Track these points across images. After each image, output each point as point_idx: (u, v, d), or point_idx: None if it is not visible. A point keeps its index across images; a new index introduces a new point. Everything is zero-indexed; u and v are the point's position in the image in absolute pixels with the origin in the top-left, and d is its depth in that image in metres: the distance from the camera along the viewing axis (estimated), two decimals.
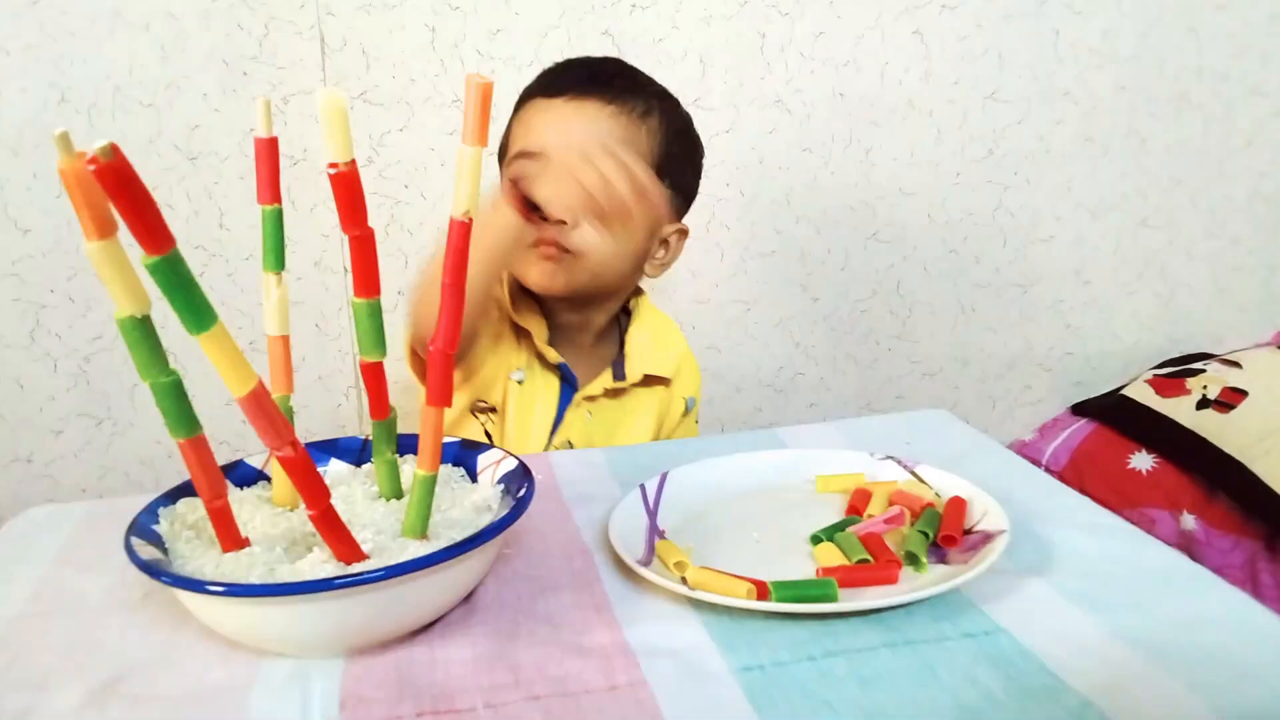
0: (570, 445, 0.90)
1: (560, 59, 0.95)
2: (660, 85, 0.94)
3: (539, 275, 0.87)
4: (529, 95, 0.92)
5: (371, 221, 0.50)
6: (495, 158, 0.95)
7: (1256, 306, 1.52)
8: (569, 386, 0.92)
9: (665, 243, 0.94)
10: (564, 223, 0.84)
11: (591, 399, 0.93)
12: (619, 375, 0.93)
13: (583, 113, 0.87)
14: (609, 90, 0.88)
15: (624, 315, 0.99)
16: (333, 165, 0.48)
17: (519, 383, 0.91)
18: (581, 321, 0.94)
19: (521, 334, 0.92)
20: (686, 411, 0.99)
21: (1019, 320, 1.44)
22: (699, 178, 0.98)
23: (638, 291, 0.99)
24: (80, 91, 1.09)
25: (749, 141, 1.28)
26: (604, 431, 0.93)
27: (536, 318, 0.92)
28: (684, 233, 0.96)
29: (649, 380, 0.95)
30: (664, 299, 1.30)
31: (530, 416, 0.90)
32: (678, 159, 0.92)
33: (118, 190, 0.37)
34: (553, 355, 0.90)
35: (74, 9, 1.08)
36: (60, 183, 0.37)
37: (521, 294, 0.93)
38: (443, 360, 0.51)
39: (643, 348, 0.95)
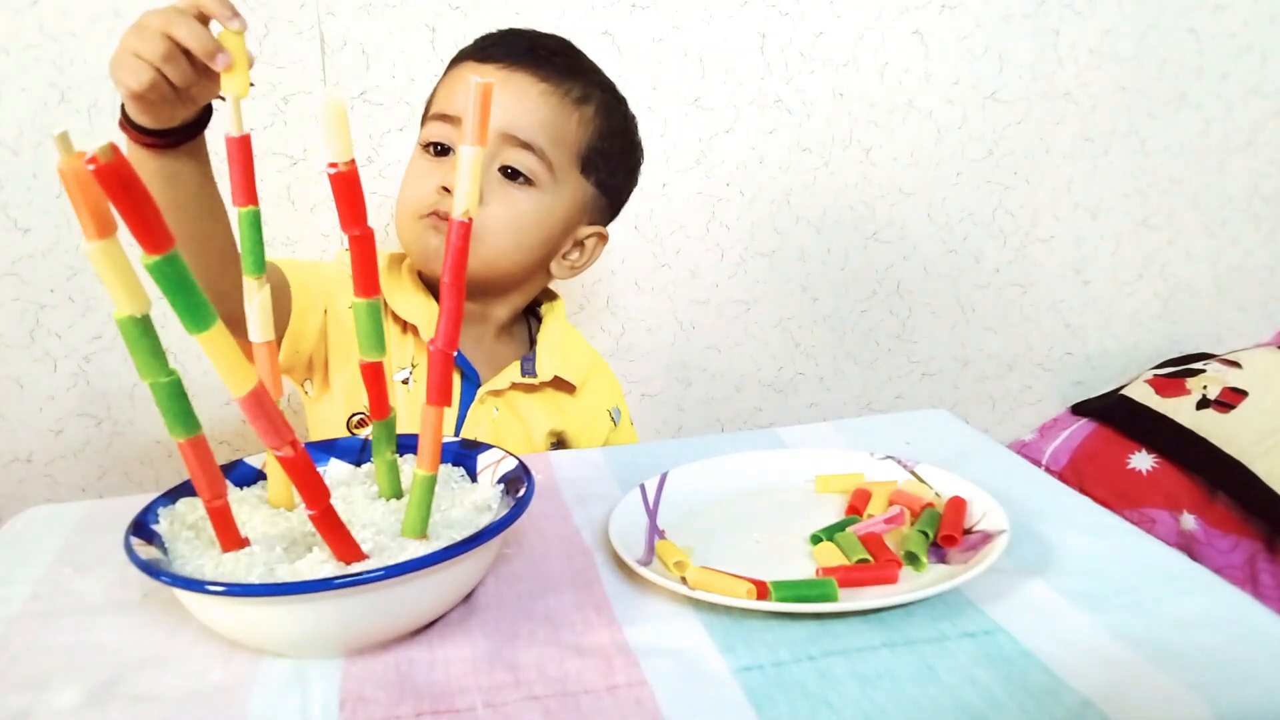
0: None
1: None
2: (608, 79, 0.88)
3: (429, 252, 0.81)
4: (462, 57, 0.86)
5: (371, 221, 0.51)
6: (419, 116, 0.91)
7: (1256, 306, 1.52)
8: (469, 383, 0.85)
9: (580, 244, 0.88)
10: (448, 190, 0.77)
11: (498, 393, 0.86)
12: (529, 372, 0.87)
13: (510, 84, 0.81)
14: (544, 66, 0.82)
15: (535, 320, 0.94)
16: (333, 165, 0.49)
17: (405, 384, 0.84)
18: (479, 311, 0.87)
19: (405, 329, 0.85)
20: (616, 424, 0.94)
21: (1019, 320, 1.44)
22: (632, 183, 0.93)
23: (551, 296, 0.95)
24: (80, 91, 1.09)
25: (749, 141, 1.28)
26: (515, 432, 0.86)
27: (422, 308, 0.85)
28: (603, 238, 0.90)
29: (559, 383, 0.89)
30: (664, 299, 1.30)
31: None
32: (608, 156, 0.87)
33: (117, 190, 0.37)
34: None
35: (74, 9, 1.08)
36: (60, 183, 0.37)
37: (401, 283, 0.86)
38: (443, 360, 0.51)
39: (553, 350, 0.89)
